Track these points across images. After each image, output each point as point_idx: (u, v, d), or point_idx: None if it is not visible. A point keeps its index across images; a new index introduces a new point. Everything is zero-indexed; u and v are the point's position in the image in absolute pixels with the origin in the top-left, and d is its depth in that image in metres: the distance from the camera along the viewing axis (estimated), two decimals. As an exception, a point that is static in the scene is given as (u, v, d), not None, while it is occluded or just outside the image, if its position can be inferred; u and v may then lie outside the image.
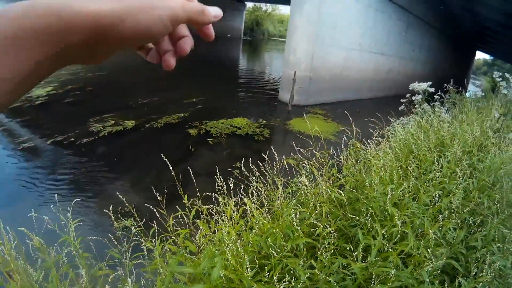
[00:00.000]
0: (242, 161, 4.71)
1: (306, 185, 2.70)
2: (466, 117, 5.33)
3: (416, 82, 5.62)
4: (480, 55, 73.96)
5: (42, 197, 4.59)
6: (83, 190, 4.75)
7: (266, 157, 3.13)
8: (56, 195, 2.88)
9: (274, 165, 3.17)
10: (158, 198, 2.56)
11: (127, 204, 2.31)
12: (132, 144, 6.41)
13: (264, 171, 2.99)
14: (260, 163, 3.08)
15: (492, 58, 51.14)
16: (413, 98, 5.49)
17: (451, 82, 6.77)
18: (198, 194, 2.52)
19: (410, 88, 5.62)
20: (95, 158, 5.79)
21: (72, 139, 6.50)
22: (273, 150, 5.81)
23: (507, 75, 4.43)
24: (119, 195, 2.45)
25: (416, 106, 5.38)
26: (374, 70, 11.95)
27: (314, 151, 3.43)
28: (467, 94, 12.22)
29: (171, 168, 2.39)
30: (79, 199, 4.33)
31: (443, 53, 20.21)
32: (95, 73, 13.19)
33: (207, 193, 2.57)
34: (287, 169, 3.15)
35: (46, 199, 4.51)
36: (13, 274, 1.95)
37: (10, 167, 5.55)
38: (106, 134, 6.70)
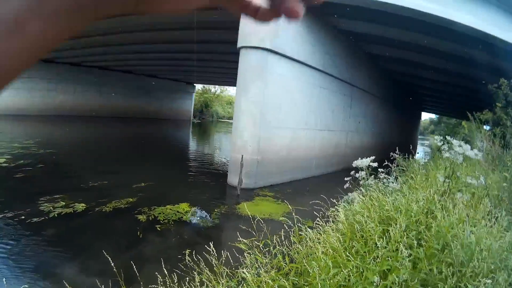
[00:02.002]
0: (188, 250, 4.64)
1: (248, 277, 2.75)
2: (414, 183, 5.49)
3: (359, 158, 5.67)
4: (426, 115, 77.99)
5: None
6: (29, 272, 4.55)
7: (211, 245, 3.21)
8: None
9: (223, 252, 3.22)
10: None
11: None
12: (82, 227, 6.18)
13: (212, 259, 2.97)
14: (209, 250, 3.17)
15: (437, 116, 53.73)
16: (357, 175, 5.55)
17: (397, 150, 6.98)
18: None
19: (354, 165, 5.67)
20: (44, 240, 5.60)
21: (23, 217, 6.31)
22: (222, 235, 5.73)
23: (448, 137, 4.60)
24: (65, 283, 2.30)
25: (361, 182, 5.44)
26: (321, 147, 12.21)
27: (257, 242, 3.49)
28: (417, 156, 12.69)
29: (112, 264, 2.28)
30: (25, 279, 4.22)
31: (389, 120, 21.26)
32: (46, 150, 13.09)
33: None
34: (237, 254, 3.27)
35: None
36: None
37: None
38: (56, 215, 6.50)
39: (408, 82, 21.20)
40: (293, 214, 4.02)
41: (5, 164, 10.28)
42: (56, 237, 5.76)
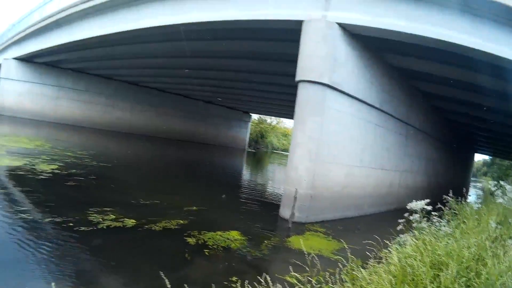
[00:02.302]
0: (235, 277, 4.47)
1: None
2: (466, 227, 5.30)
3: (414, 201, 5.63)
4: (479, 157, 75.80)
5: (27, 273, 4.53)
6: (70, 277, 4.55)
7: (263, 275, 3.17)
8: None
9: (271, 284, 3.12)
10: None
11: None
12: (129, 242, 6.23)
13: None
14: (256, 280, 3.18)
15: (490, 158, 52.37)
16: (411, 217, 5.46)
17: (451, 193, 6.79)
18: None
19: (408, 207, 5.61)
20: (89, 249, 5.62)
21: (71, 224, 6.38)
22: (270, 267, 5.58)
23: (502, 182, 4.40)
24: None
25: (414, 224, 5.35)
26: (375, 186, 11.91)
27: (309, 278, 3.46)
28: (469, 199, 12.18)
29: None
30: (66, 284, 4.26)
31: (442, 160, 20.85)
32: (100, 163, 13.47)
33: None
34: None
35: (31, 276, 4.46)
36: None
37: (5, 233, 5.64)
38: (105, 227, 6.53)
39: (462, 121, 20.61)
40: (346, 252, 3.99)
41: (57, 171, 10.67)
42: (102, 248, 5.83)
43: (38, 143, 16.22)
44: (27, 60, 27.25)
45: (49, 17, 20.34)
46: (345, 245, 4.31)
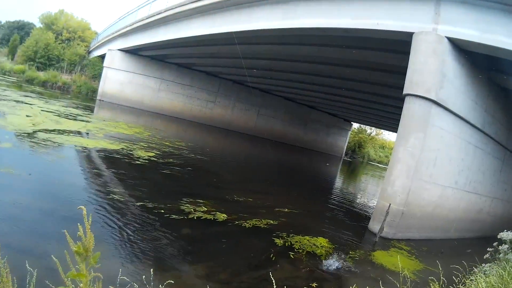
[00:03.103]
0: (315, 284, 4.59)
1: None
2: None
3: (505, 231, 5.40)
4: None
5: (116, 252, 4.82)
6: (158, 262, 4.81)
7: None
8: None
9: None
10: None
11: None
12: (218, 236, 6.44)
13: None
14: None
15: None
16: (500, 247, 5.26)
17: None
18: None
19: (498, 237, 5.41)
20: (178, 237, 5.88)
21: (162, 211, 6.69)
22: (352, 278, 5.64)
23: None
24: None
25: (501, 255, 5.14)
26: (465, 210, 11.41)
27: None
28: None
29: None
30: (149, 267, 4.42)
31: None
32: (197, 155, 13.97)
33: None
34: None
35: (118, 256, 4.73)
36: None
37: (95, 210, 5.98)
38: (195, 218, 6.81)
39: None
40: (427, 273, 3.92)
41: (154, 159, 11.16)
42: (190, 238, 6.09)
43: (137, 130, 17.15)
44: (132, 52, 29.12)
45: (157, 13, 21.55)
46: (429, 267, 4.28)
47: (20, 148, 9.08)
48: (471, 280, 4.35)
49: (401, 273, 4.04)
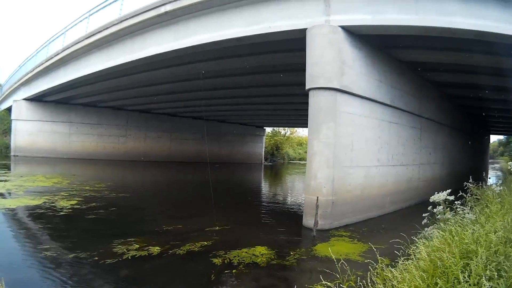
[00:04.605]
0: None
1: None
2: (490, 211, 5.29)
3: (436, 193, 5.63)
4: (494, 137, 75.01)
5: None
6: None
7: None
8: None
9: None
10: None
11: None
12: (156, 269, 6.25)
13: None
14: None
15: (506, 137, 51.78)
16: (435, 210, 5.47)
17: (470, 179, 6.84)
18: None
19: (431, 201, 5.62)
20: (118, 280, 5.71)
21: (96, 258, 6.45)
22: (299, 277, 5.59)
23: None
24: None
25: (438, 216, 5.36)
26: (394, 183, 11.89)
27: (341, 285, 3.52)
28: (490, 182, 12.09)
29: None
30: None
31: (458, 147, 20.85)
32: (119, 193, 13.67)
33: None
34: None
35: None
36: None
37: (30, 271, 5.75)
38: (130, 258, 6.58)
39: (474, 105, 20.57)
40: (374, 253, 4.02)
41: (77, 206, 10.81)
42: (130, 278, 5.88)
43: (55, 180, 16.46)
44: (37, 99, 27.83)
45: (55, 54, 20.78)
46: (372, 246, 4.35)
47: None
48: (414, 249, 4.41)
49: (337, 263, 4.03)
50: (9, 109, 33.35)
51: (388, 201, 11.45)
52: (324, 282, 3.66)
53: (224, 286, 5.55)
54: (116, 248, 7.05)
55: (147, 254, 6.79)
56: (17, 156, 27.38)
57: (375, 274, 3.79)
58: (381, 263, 3.90)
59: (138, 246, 7.19)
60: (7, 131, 33.74)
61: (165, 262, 6.57)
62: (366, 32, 9.53)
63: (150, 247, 7.16)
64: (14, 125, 28.54)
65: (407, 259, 3.99)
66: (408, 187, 13.00)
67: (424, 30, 8.83)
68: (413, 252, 4.24)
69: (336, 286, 3.65)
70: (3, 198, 11.77)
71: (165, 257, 6.79)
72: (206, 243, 7.62)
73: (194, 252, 7.12)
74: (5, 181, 15.50)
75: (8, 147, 31.05)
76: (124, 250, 6.94)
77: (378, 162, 10.81)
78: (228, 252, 7.00)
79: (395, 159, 11.85)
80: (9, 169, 22.22)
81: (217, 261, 6.56)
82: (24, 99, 28.19)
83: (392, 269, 3.68)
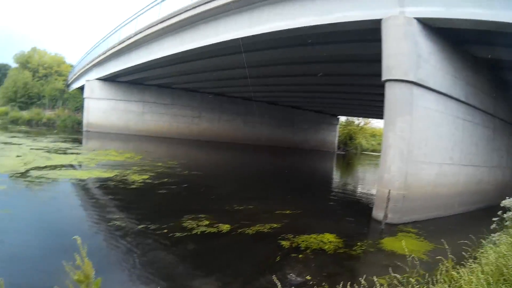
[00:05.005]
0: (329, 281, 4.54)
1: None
2: None
3: (507, 198, 5.44)
4: None
5: (125, 276, 4.81)
6: (168, 281, 4.78)
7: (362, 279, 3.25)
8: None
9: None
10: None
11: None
12: (224, 247, 6.41)
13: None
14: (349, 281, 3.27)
15: None
16: (505, 215, 5.27)
17: None
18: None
19: (502, 205, 5.43)
20: (185, 254, 5.89)
21: (165, 231, 6.68)
22: (363, 269, 5.57)
23: None
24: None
25: (507, 223, 5.17)
26: (464, 183, 11.45)
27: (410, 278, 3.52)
28: None
29: None
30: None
31: None
32: (191, 171, 14.05)
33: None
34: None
35: (128, 280, 4.71)
36: None
37: (97, 239, 6.00)
38: (199, 233, 6.78)
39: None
40: (438, 252, 4.17)
41: (149, 181, 11.15)
42: (197, 252, 6.03)
43: (127, 155, 17.08)
44: (110, 80, 29.15)
45: (127, 38, 21.73)
46: (439, 246, 4.27)
47: (14, 189, 9.01)
48: (481, 252, 4.31)
49: (408, 258, 4.05)
50: (81, 88, 35.30)
51: (457, 202, 11.08)
52: (393, 275, 3.68)
53: (289, 269, 5.56)
54: (186, 223, 7.28)
55: (216, 231, 6.98)
56: (88, 131, 28.86)
57: (442, 272, 3.76)
58: (447, 263, 3.87)
59: (208, 222, 7.40)
60: (79, 108, 35.75)
61: (234, 240, 6.72)
62: (440, 25, 9.18)
63: (220, 224, 7.35)
64: (86, 103, 30.13)
65: (474, 262, 3.94)
66: (478, 190, 12.47)
67: (497, 26, 8.33)
68: (480, 256, 4.16)
69: (405, 280, 3.64)
70: (75, 170, 12.39)
71: (234, 235, 6.95)
72: (275, 226, 7.72)
73: (263, 233, 7.25)
74: (77, 154, 16.34)
75: (79, 123, 32.87)
76: (194, 225, 7.16)
77: (450, 160, 10.48)
78: (296, 236, 7.07)
79: (467, 159, 11.41)
80: (80, 143, 23.43)
81: (285, 243, 6.64)
82: (96, 79, 29.63)
83: (459, 269, 3.64)
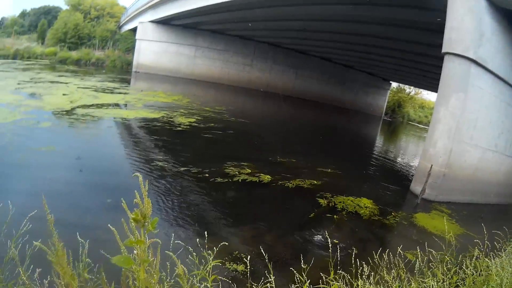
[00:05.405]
0: (358, 245, 4.60)
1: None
2: None
3: None
4: None
5: (165, 217, 4.99)
6: (206, 226, 4.93)
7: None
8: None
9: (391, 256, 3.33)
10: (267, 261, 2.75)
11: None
12: (263, 197, 6.67)
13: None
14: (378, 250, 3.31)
15: None
16: None
17: None
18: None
19: None
20: (223, 199, 6.11)
21: (207, 175, 6.89)
22: (394, 240, 5.59)
23: None
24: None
25: None
26: (505, 174, 11.10)
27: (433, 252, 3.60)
28: None
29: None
30: (193, 232, 4.62)
31: None
32: (238, 118, 14.19)
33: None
34: (404, 261, 3.34)
35: (167, 221, 4.90)
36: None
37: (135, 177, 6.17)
38: (240, 181, 6.98)
39: None
40: (467, 238, 3.91)
41: (195, 124, 11.35)
42: (236, 200, 6.26)
43: (175, 98, 17.31)
44: (164, 22, 29.13)
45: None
46: (470, 232, 4.22)
47: (59, 126, 9.41)
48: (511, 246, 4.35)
49: (447, 236, 4.04)
50: (133, 30, 35.65)
51: (494, 192, 10.79)
52: (427, 250, 3.71)
53: (321, 228, 5.66)
54: (228, 169, 7.47)
55: (257, 181, 7.17)
56: (138, 72, 29.20)
57: (471, 258, 3.79)
58: (475, 251, 3.89)
59: (250, 171, 7.59)
60: (130, 49, 36.16)
61: (273, 192, 6.91)
62: (507, 6, 8.72)
63: (262, 174, 7.54)
64: (138, 44, 30.28)
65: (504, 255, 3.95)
66: (515, 183, 12.15)
67: None
68: (508, 249, 4.23)
69: (435, 258, 3.68)
70: (121, 109, 12.68)
71: (274, 187, 7.12)
72: (315, 182, 7.86)
73: (302, 188, 7.40)
74: (125, 93, 16.72)
75: (129, 64, 33.24)
76: (236, 172, 7.34)
77: (495, 147, 10.18)
78: (334, 196, 7.21)
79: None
80: (129, 83, 23.80)
81: (322, 202, 6.79)
82: (150, 21, 29.62)
83: (488, 260, 3.68)
